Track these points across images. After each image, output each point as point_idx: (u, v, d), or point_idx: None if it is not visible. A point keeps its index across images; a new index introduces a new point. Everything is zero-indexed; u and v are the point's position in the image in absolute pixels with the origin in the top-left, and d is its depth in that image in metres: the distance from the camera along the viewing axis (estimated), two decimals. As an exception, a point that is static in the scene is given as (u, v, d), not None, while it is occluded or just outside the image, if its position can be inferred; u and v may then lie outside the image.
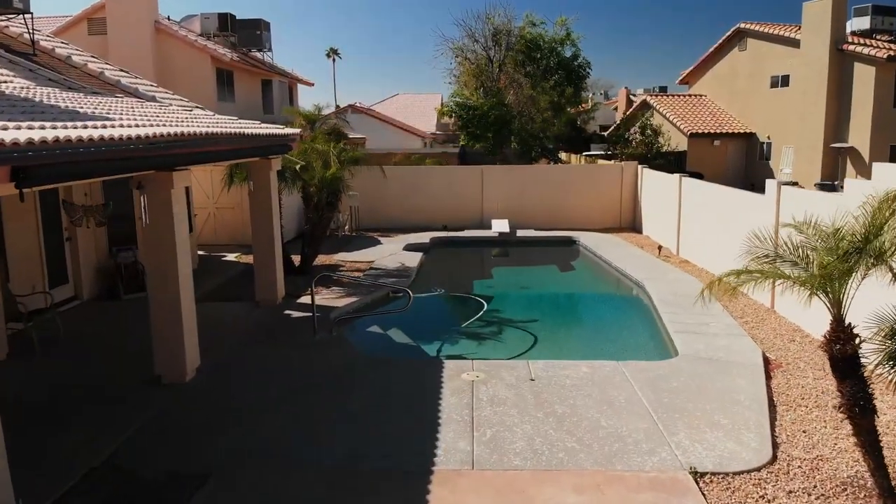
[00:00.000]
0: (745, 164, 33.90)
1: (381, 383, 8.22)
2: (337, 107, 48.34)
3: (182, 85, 26.01)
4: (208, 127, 8.65)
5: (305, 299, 12.21)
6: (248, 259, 15.83)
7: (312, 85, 37.13)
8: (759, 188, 29.52)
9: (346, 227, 20.94)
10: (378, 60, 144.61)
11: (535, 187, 21.66)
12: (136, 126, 7.17)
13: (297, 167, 12.98)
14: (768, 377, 8.75)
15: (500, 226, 20.11)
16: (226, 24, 30.51)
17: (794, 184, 29.39)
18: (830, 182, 27.52)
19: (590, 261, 17.40)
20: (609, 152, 31.81)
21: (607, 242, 18.53)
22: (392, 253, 17.23)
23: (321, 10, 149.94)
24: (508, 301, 13.47)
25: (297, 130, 11.91)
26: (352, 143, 31.76)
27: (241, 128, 9.93)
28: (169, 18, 29.06)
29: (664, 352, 9.90)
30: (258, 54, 32.68)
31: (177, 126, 7.90)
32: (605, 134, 49.48)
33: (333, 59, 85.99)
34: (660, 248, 17.17)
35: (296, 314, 11.47)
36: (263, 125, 12.24)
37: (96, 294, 12.79)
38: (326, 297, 12.46)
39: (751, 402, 7.81)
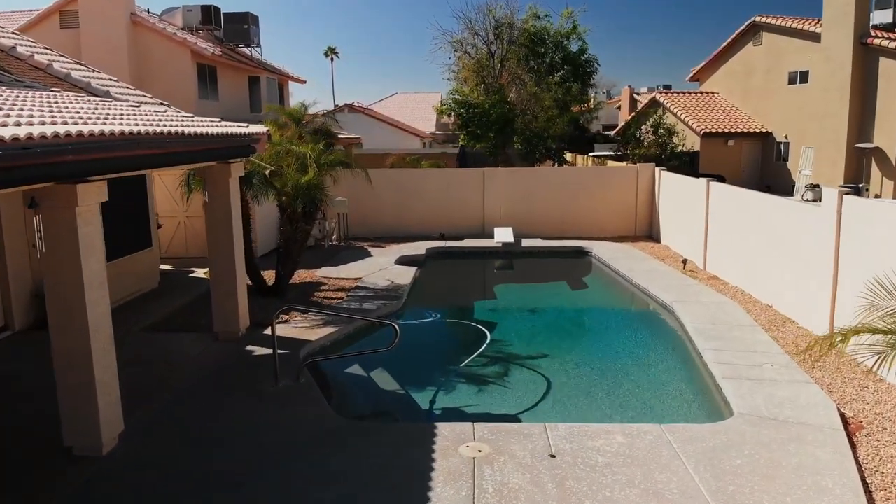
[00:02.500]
0: (760, 165, 32.14)
1: (352, 465, 6.23)
2: (335, 106, 46.54)
3: (160, 81, 24.18)
4: (140, 125, 6.73)
5: (277, 330, 10.22)
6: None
7: (304, 82, 35.17)
8: (776, 190, 27.93)
9: (334, 236, 18.98)
10: (378, 60, 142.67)
11: (541, 191, 19.70)
12: (28, 124, 5.25)
13: (267, 172, 11.02)
14: (852, 444, 6.80)
15: (503, 235, 18.14)
16: (210, 17, 28.63)
17: (816, 186, 27.68)
18: (855, 185, 25.79)
19: (605, 276, 15.43)
20: (619, 153, 29.85)
21: (623, 254, 16.56)
22: (382, 267, 15.26)
23: (320, 9, 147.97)
24: (514, 328, 11.52)
25: (264, 129, 9.95)
26: (345, 142, 30.02)
27: (185, 127, 7.97)
28: (149, 11, 27.19)
29: (714, 407, 7.92)
30: (246, 50, 30.84)
31: (81, 125, 5.96)
32: (611, 134, 47.64)
33: (332, 59, 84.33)
34: (684, 261, 15.20)
35: (260, 351, 9.50)
36: (227, 123, 10.29)
37: (31, 323, 10.83)
38: (299, 327, 10.50)
39: (841, 488, 5.84)
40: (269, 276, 13.17)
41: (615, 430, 6.82)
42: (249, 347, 9.70)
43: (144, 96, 15.08)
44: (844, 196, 9.80)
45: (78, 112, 7.41)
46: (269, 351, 9.20)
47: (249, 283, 12.60)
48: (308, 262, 15.73)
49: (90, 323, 6.34)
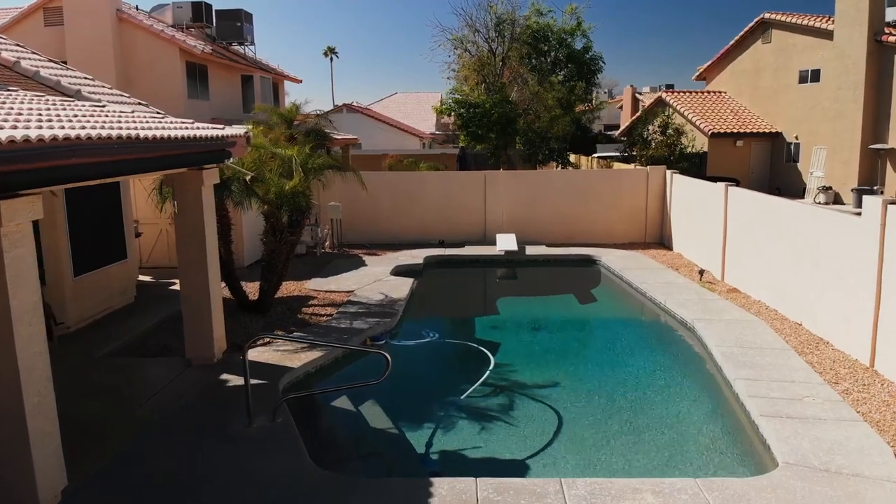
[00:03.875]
0: (769, 166, 31.19)
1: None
2: (335, 106, 45.57)
3: (147, 81, 23.24)
4: (89, 129, 5.72)
5: (256, 353, 9.23)
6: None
7: (300, 82, 34.18)
8: (786, 193, 26.88)
9: (327, 243, 17.95)
10: (377, 60, 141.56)
11: (545, 195, 18.66)
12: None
13: (248, 178, 9.99)
14: (919, 502, 5.78)
15: (505, 242, 17.11)
16: (201, 14, 27.64)
17: (828, 189, 26.71)
18: (869, 187, 24.86)
19: (616, 288, 14.40)
20: (625, 154, 28.81)
21: (635, 263, 15.52)
22: (377, 279, 14.22)
23: (320, 9, 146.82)
24: (518, 350, 10.49)
25: (242, 131, 8.92)
26: (341, 143, 29.00)
27: (145, 130, 6.95)
28: (137, 8, 26.20)
29: (754, 453, 6.89)
30: (239, 48, 29.87)
31: (9, 128, 4.95)
32: (613, 134, 46.63)
33: (331, 59, 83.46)
34: (701, 272, 14.16)
35: (237, 380, 8.46)
36: (201, 125, 9.27)
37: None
38: (281, 350, 9.46)
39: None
40: (256, 287, 12.16)
41: (644, 486, 5.78)
42: (225, 376, 8.66)
43: (122, 95, 14.09)
44: (889, 205, 8.76)
45: (21, 113, 6.40)
46: (254, 380, 8.21)
47: (230, 295, 11.60)
48: (297, 272, 14.72)
49: (21, 365, 5.32)
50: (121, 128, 6.73)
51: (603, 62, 28.83)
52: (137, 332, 10.89)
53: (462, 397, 8.35)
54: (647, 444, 7.21)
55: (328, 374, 9.18)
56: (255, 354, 9.28)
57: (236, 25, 29.06)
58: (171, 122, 8.70)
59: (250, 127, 10.22)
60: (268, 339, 9.82)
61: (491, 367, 9.30)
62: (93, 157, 5.61)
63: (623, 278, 14.34)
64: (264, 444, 6.72)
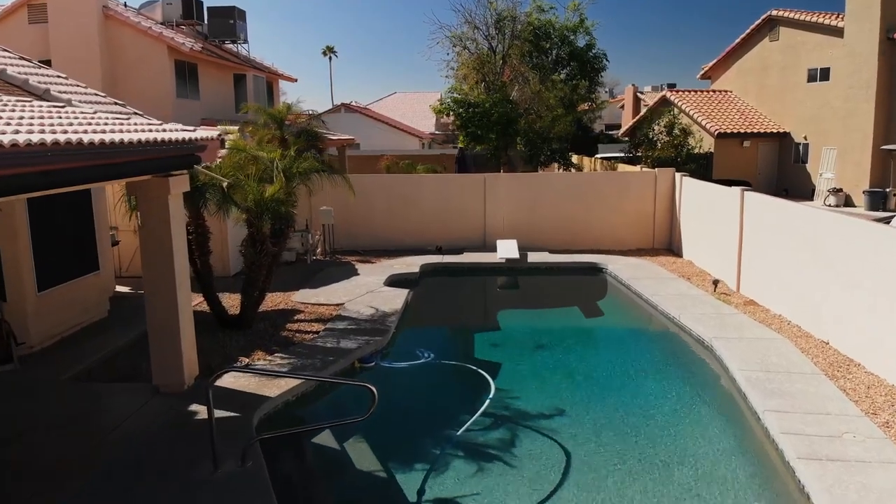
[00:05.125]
0: (777, 167, 30.35)
1: None
2: (333, 105, 44.75)
3: (134, 80, 22.43)
4: (25, 133, 4.87)
5: (230, 378, 8.36)
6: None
7: (295, 80, 33.39)
8: (795, 195, 26.00)
9: (318, 250, 17.08)
10: (377, 60, 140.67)
11: (548, 199, 17.78)
12: None
13: (224, 185, 9.11)
14: None
15: (506, 249, 16.22)
16: (191, 11, 26.78)
17: (839, 191, 25.84)
18: (881, 189, 24.04)
19: (624, 299, 13.51)
20: (629, 155, 27.91)
21: (644, 272, 14.64)
22: (370, 289, 13.34)
23: (319, 8, 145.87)
24: (520, 372, 9.59)
25: (214, 134, 8.05)
26: (338, 144, 28.09)
27: (96, 134, 6.08)
28: (125, 5, 25.35)
29: (789, 500, 6.02)
30: (232, 46, 29.03)
31: None
32: (615, 134, 45.75)
33: (330, 58, 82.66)
34: (715, 282, 13.27)
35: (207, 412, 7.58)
36: (173, 126, 8.41)
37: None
38: (258, 376, 8.57)
39: None
40: (239, 299, 11.29)
41: (670, 554, 4.92)
42: (194, 406, 7.78)
43: (97, 95, 13.20)
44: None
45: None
46: (221, 414, 7.35)
47: (209, 309, 10.74)
48: (285, 281, 13.86)
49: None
50: (66, 132, 5.88)
51: (607, 60, 27.97)
52: (107, 351, 10.02)
53: (459, 432, 7.46)
54: (667, 490, 6.33)
55: (311, 403, 8.32)
56: (229, 380, 8.41)
57: (229, 23, 28.21)
58: (136, 124, 7.84)
59: (234, 128, 9.33)
60: (245, 360, 8.96)
61: (491, 394, 8.41)
62: (16, 168, 4.74)
63: (632, 289, 13.45)
64: (231, 496, 5.84)
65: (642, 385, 9.02)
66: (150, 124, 8.07)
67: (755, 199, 12.73)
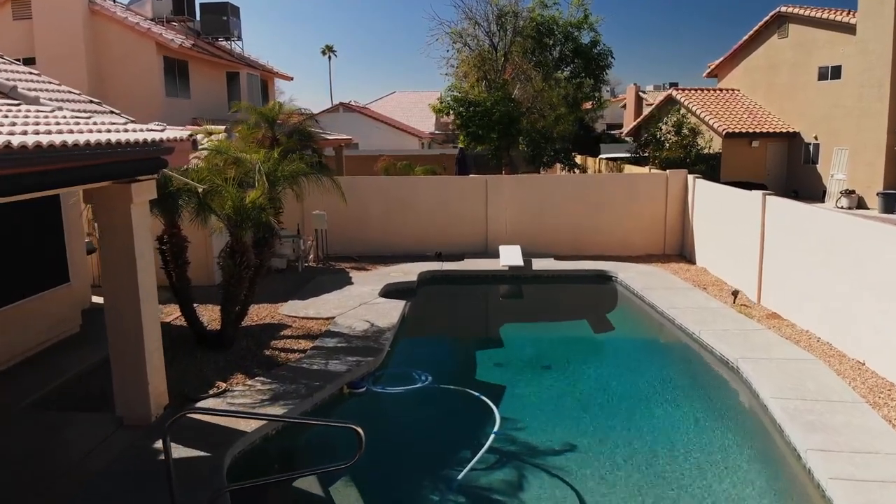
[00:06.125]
0: (786, 168, 29.47)
1: None
2: (331, 105, 43.94)
3: (121, 77, 21.58)
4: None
5: (202, 406, 7.48)
6: (168, 312, 11.12)
7: (291, 79, 32.47)
8: (804, 196, 25.09)
9: (311, 256, 16.17)
10: (377, 59, 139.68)
11: (554, 202, 16.87)
12: None
13: (200, 191, 8.22)
14: None
15: (509, 256, 15.32)
16: (182, 6, 25.90)
17: (851, 192, 24.94)
18: (895, 191, 23.17)
19: (637, 312, 12.59)
20: (635, 155, 27.01)
21: (658, 281, 13.72)
22: (364, 301, 12.44)
23: (318, 7, 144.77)
24: (527, 396, 8.67)
25: (184, 134, 7.16)
26: (334, 144, 27.20)
27: (41, 136, 5.20)
28: (114, 1, 24.47)
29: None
30: (226, 43, 28.17)
31: None
32: (617, 133, 44.79)
33: (329, 57, 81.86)
34: (735, 294, 12.36)
35: (176, 449, 6.69)
36: (138, 127, 7.53)
37: None
38: (234, 403, 7.68)
39: None
40: (213, 316, 10.41)
41: None
42: (159, 444, 6.88)
43: (71, 93, 12.32)
44: None
45: None
46: (189, 453, 6.47)
47: (183, 321, 9.86)
48: (274, 291, 12.98)
49: None
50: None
51: (612, 57, 27.11)
52: (74, 372, 9.11)
53: (461, 475, 6.54)
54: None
55: (294, 437, 7.42)
56: (204, 407, 7.53)
57: (222, 19, 27.35)
58: (96, 124, 6.94)
59: (220, 128, 8.43)
60: (224, 384, 8.06)
61: (496, 428, 7.49)
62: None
63: (645, 300, 12.54)
64: (189, 561, 4.95)
65: (663, 415, 8.09)
66: (113, 124, 7.17)
67: (778, 204, 11.82)
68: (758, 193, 12.27)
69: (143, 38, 21.55)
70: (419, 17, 49.99)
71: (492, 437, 7.24)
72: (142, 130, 7.01)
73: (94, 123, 6.95)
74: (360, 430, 5.25)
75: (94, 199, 6.92)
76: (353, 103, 43.04)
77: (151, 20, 24.07)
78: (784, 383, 8.18)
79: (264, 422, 7.13)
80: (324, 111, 39.46)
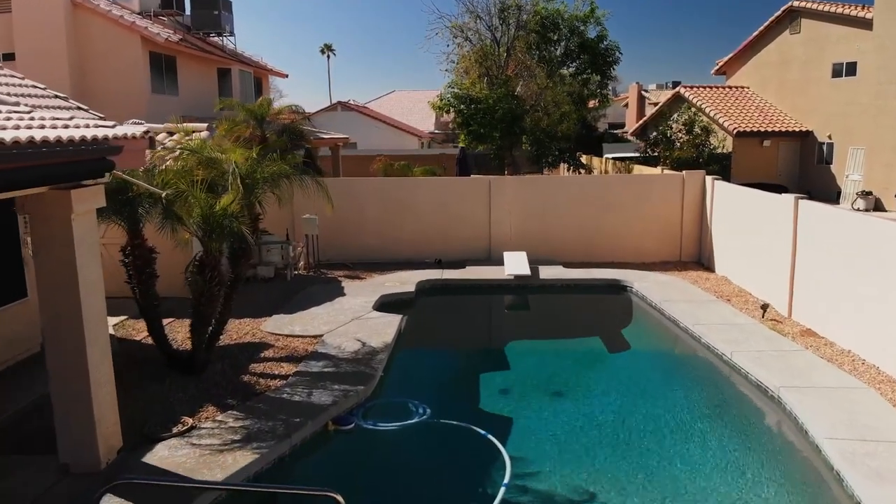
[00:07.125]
0: (798, 168, 28.37)
1: None
2: (330, 104, 42.94)
3: (105, 72, 20.52)
4: None
5: (166, 449, 6.40)
6: (139, 328, 10.06)
7: (286, 76, 31.41)
8: (818, 197, 23.77)
9: (301, 264, 15.06)
10: (377, 58, 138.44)
11: (561, 205, 15.76)
12: None
13: (163, 196, 7.13)
14: None
15: (515, 264, 14.22)
16: (171, 0, 24.82)
17: (868, 194, 23.85)
18: (913, 193, 22.11)
19: (658, 327, 11.47)
20: (644, 155, 25.91)
21: (677, 291, 12.60)
22: (356, 315, 11.33)
23: (318, 6, 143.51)
24: (537, 430, 7.54)
25: (139, 131, 6.07)
26: (331, 143, 26.09)
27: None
28: (100, -7, 23.31)
29: None
30: (218, 39, 27.13)
31: None
32: (621, 132, 43.72)
33: (328, 56, 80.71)
34: (764, 307, 11.26)
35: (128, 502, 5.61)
36: (87, 122, 6.44)
37: None
38: (200, 445, 6.58)
39: None
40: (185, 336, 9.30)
41: None
42: (110, 498, 5.79)
43: (36, 87, 11.28)
44: None
45: None
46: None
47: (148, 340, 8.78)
48: (259, 304, 11.89)
49: None
50: None
51: (619, 52, 25.99)
52: (25, 402, 8.02)
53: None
54: None
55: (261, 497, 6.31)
56: (164, 452, 6.45)
57: (213, 14, 26.29)
58: (33, 119, 5.85)
59: (202, 125, 7.35)
60: (191, 421, 6.97)
61: (506, 477, 6.36)
62: None
63: (665, 314, 11.42)
64: None
65: (696, 458, 6.96)
66: (55, 119, 6.08)
67: (813, 209, 10.72)
68: (789, 197, 11.18)
69: (128, 31, 20.51)
70: (419, 15, 49.14)
71: (502, 490, 6.11)
72: (86, 126, 5.92)
73: (32, 119, 5.86)
74: (340, 498, 4.21)
75: (27, 208, 5.80)
76: (351, 102, 42.02)
77: (139, 14, 23.00)
78: (836, 418, 7.08)
79: (240, 465, 6.05)
80: (321, 110, 38.42)
